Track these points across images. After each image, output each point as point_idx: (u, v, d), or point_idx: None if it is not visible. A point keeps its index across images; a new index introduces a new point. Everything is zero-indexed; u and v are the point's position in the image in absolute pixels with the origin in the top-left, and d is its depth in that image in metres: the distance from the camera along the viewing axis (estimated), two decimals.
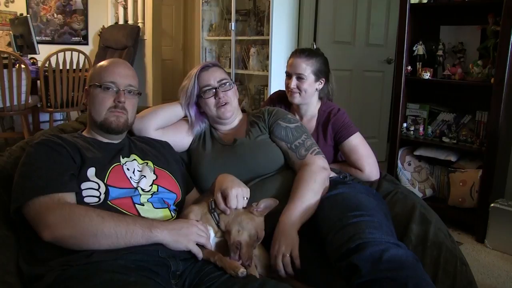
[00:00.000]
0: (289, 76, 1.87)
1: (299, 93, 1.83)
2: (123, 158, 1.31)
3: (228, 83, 1.57)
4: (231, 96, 1.58)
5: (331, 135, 1.81)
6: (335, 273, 1.18)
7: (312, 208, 1.34)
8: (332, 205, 1.32)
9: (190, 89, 1.56)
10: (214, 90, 1.55)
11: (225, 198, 1.22)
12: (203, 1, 4.19)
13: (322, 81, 1.88)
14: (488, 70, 2.50)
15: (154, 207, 1.25)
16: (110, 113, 1.31)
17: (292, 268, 1.22)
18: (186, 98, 1.58)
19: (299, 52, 1.85)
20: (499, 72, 2.35)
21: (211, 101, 1.56)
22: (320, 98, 1.92)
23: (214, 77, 1.56)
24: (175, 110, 1.60)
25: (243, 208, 1.23)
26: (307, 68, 1.82)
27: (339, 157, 1.89)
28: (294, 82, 1.83)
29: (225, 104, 1.55)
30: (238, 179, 1.29)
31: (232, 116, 1.60)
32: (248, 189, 1.27)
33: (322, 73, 1.86)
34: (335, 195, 1.37)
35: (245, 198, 1.24)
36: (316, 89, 1.87)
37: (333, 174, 1.58)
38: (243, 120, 1.65)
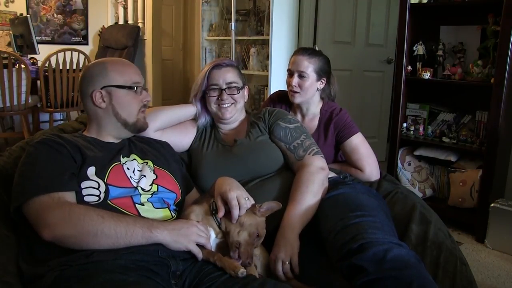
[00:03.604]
0: (290, 74, 1.86)
1: (300, 93, 1.83)
2: (123, 157, 1.31)
3: (236, 87, 1.57)
4: (237, 98, 1.58)
5: (332, 134, 1.81)
6: (335, 273, 1.18)
7: (312, 210, 1.34)
8: (333, 206, 1.31)
9: (200, 83, 1.59)
10: (219, 91, 1.56)
11: (225, 202, 1.21)
12: (203, 1, 4.19)
13: (324, 81, 1.87)
14: (488, 70, 2.50)
15: (154, 207, 1.25)
16: (141, 114, 1.36)
17: (291, 273, 1.22)
18: (194, 90, 1.61)
19: (301, 50, 1.86)
20: (499, 72, 2.35)
21: (213, 99, 1.58)
22: (321, 98, 1.92)
23: (224, 78, 1.56)
24: (176, 113, 1.61)
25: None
26: (309, 66, 1.82)
27: (340, 157, 1.89)
28: (295, 80, 1.82)
29: (230, 104, 1.56)
30: (236, 182, 1.28)
31: (232, 118, 1.59)
32: (246, 192, 1.25)
33: (324, 72, 1.86)
34: (336, 195, 1.37)
35: (246, 199, 1.22)
36: (317, 88, 1.86)
37: (333, 174, 1.58)
38: (244, 120, 1.65)
